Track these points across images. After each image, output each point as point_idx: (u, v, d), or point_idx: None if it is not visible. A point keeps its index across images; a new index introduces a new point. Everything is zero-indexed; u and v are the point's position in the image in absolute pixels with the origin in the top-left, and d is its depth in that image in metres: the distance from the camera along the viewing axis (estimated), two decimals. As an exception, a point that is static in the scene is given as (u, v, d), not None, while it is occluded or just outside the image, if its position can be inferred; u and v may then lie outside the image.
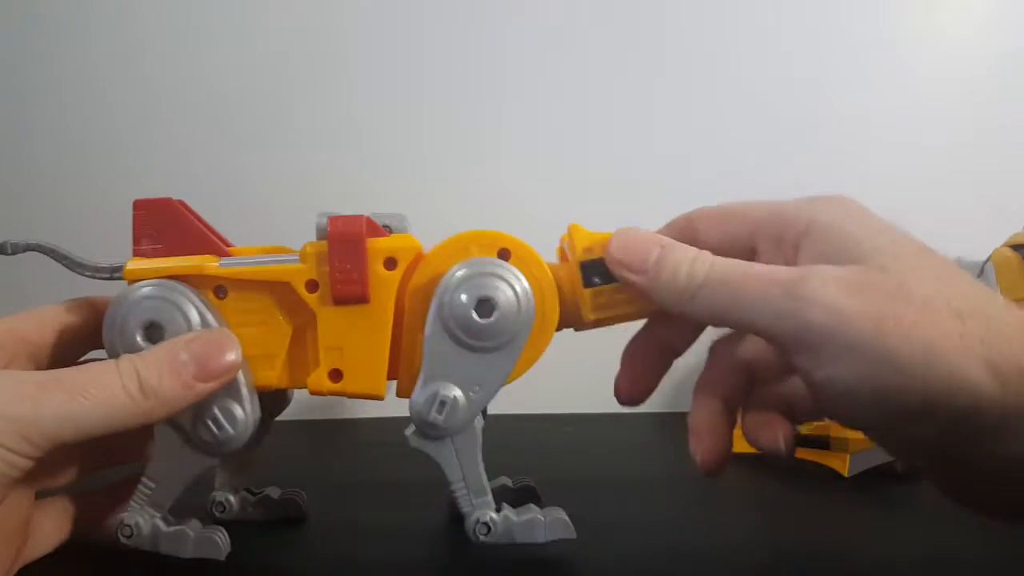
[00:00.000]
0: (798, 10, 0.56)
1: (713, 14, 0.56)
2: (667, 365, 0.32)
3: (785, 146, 0.55)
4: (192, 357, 0.28)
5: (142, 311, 0.29)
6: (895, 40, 0.56)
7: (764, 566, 0.32)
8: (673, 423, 0.48)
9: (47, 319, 0.32)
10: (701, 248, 0.28)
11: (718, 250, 0.28)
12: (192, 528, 0.31)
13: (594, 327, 0.32)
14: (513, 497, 0.36)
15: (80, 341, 0.33)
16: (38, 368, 0.32)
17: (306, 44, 0.57)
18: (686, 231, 0.30)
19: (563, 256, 0.33)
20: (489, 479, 0.31)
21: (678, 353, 0.31)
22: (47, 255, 0.33)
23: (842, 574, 0.31)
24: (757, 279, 0.25)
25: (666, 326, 0.31)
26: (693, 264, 0.27)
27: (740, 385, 0.31)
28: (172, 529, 0.31)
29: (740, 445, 0.44)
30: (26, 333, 0.32)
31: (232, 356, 0.29)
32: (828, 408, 0.26)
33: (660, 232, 0.31)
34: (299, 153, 0.57)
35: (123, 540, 0.30)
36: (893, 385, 0.23)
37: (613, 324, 0.32)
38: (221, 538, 0.31)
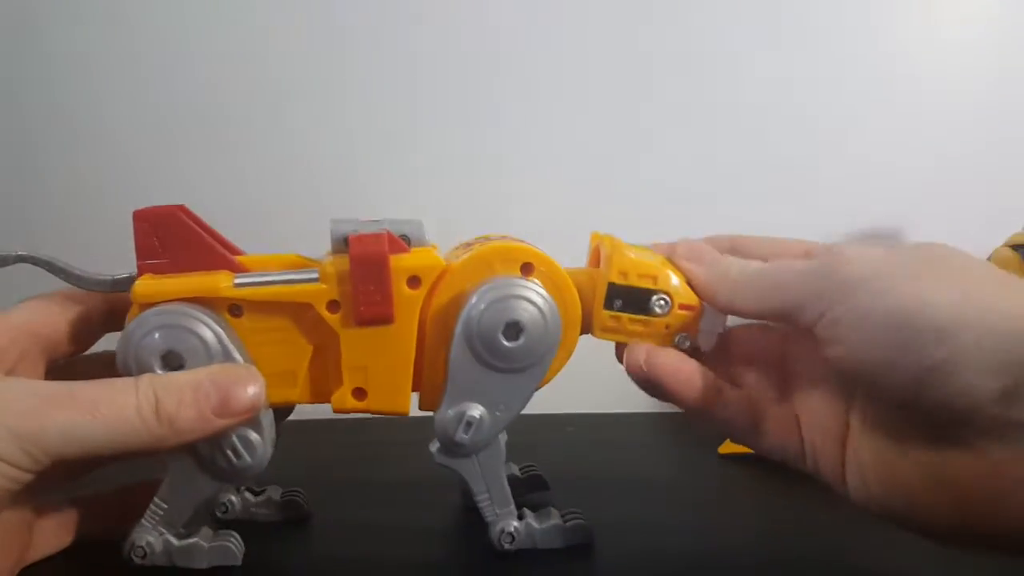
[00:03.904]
0: (800, 12, 0.55)
1: (716, 16, 0.54)
2: None
3: (786, 146, 0.55)
4: (215, 390, 0.28)
5: (159, 341, 0.28)
6: (895, 39, 0.55)
7: (764, 566, 0.32)
8: (673, 423, 0.50)
9: (55, 309, 0.31)
10: None
11: None
12: (204, 538, 0.31)
13: None
14: (522, 486, 0.38)
15: (91, 328, 0.32)
16: (49, 359, 0.31)
17: (315, 44, 0.54)
18: (731, 250, 0.32)
19: (594, 257, 0.33)
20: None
21: None
22: (40, 267, 0.31)
23: (842, 574, 0.32)
24: (799, 263, 0.27)
25: None
26: (744, 263, 0.29)
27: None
28: (185, 543, 0.31)
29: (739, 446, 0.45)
30: (36, 326, 0.31)
31: (254, 393, 0.28)
32: (852, 350, 0.25)
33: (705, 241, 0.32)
34: (309, 153, 0.55)
35: (137, 561, 0.30)
36: (932, 306, 0.23)
37: None
38: (235, 543, 0.31)
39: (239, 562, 0.31)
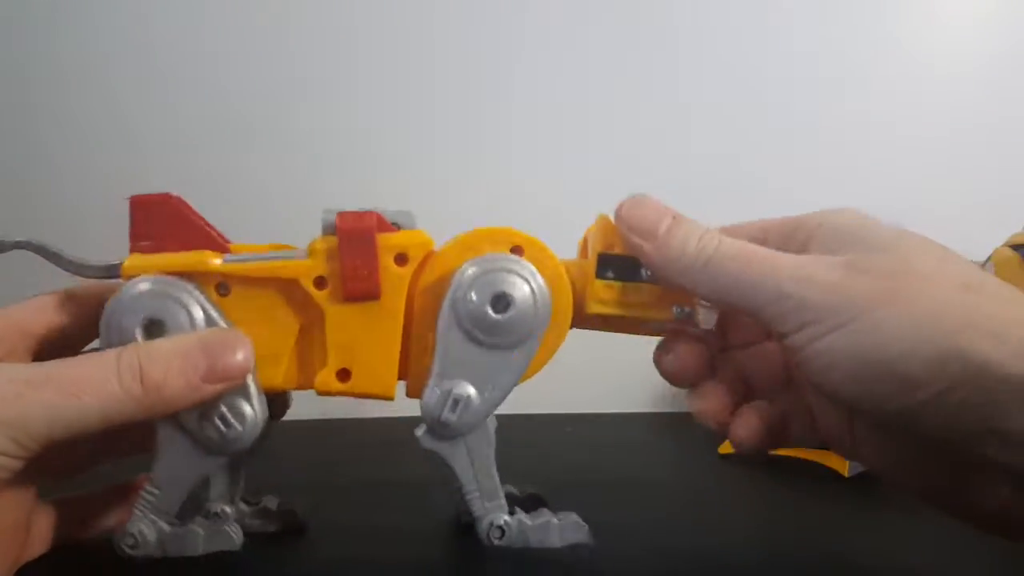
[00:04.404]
0: (799, 10, 0.56)
1: (716, 15, 0.56)
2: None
3: (787, 145, 0.56)
4: (203, 356, 0.27)
5: (142, 308, 0.28)
6: (895, 39, 0.57)
7: (764, 566, 0.32)
8: (673, 423, 0.50)
9: (47, 308, 0.31)
10: None
11: None
12: (199, 525, 0.30)
13: (593, 325, 0.32)
14: (518, 503, 0.36)
15: (83, 330, 0.32)
16: (38, 358, 0.31)
17: (312, 39, 0.56)
18: None
19: (583, 249, 0.32)
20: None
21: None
22: (36, 253, 0.31)
23: (842, 574, 0.31)
24: (761, 261, 0.26)
25: None
26: (702, 238, 0.27)
27: (736, 394, 0.31)
28: (179, 530, 0.29)
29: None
30: (26, 324, 0.30)
31: (242, 357, 0.28)
32: (818, 381, 0.25)
33: None
34: (303, 150, 0.57)
35: (127, 551, 0.29)
36: (891, 354, 0.23)
37: (610, 330, 0.32)
38: (232, 529, 0.30)
39: (238, 547, 0.30)
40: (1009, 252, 0.40)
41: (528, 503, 0.36)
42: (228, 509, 0.34)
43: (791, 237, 0.28)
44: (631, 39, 0.56)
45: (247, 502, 0.35)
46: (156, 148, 0.56)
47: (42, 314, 0.31)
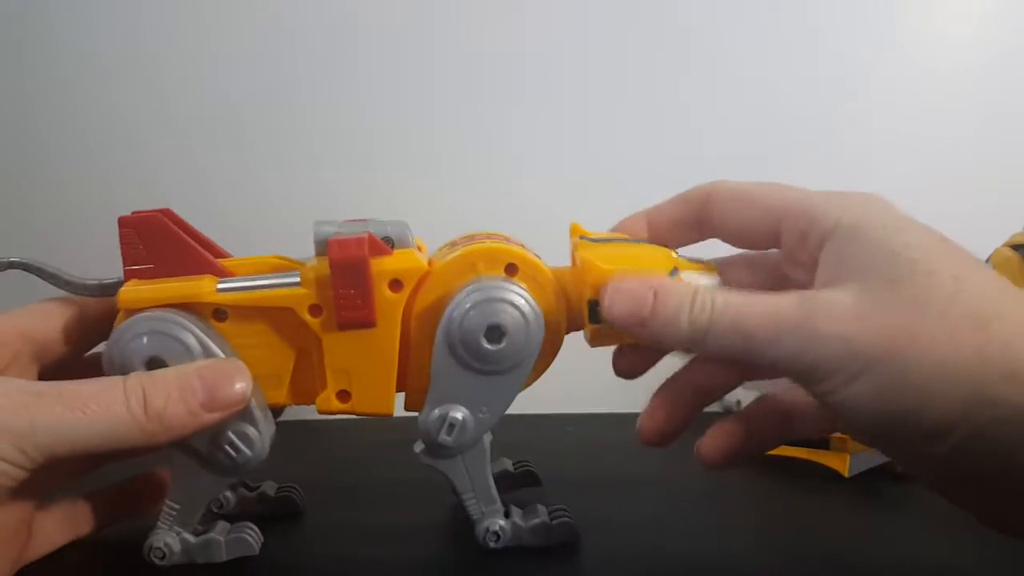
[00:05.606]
0: (798, 9, 0.54)
1: (717, 15, 0.54)
2: (699, 408, 0.31)
3: (787, 145, 0.54)
4: (202, 385, 0.28)
5: (143, 349, 0.29)
6: (896, 39, 0.54)
7: (764, 566, 0.32)
8: None
9: (53, 313, 0.31)
10: (717, 233, 0.27)
11: (736, 235, 0.27)
12: (220, 532, 0.32)
13: None
14: (514, 481, 0.38)
15: (85, 335, 0.32)
16: (42, 364, 0.31)
17: (312, 43, 0.54)
18: (701, 212, 0.31)
19: (574, 256, 0.32)
20: (491, 460, 0.32)
21: (714, 397, 0.31)
22: (30, 272, 0.31)
23: (842, 574, 0.32)
24: (767, 320, 0.25)
25: (705, 371, 0.30)
26: (693, 308, 0.26)
27: (725, 381, 0.31)
28: (202, 539, 0.31)
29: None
30: (30, 329, 0.31)
31: (241, 387, 0.28)
32: (844, 425, 0.26)
33: (674, 205, 0.31)
34: (302, 153, 0.56)
35: (157, 562, 0.31)
36: (908, 405, 0.23)
37: None
38: (251, 535, 0.32)
39: (256, 551, 0.32)
40: (1009, 252, 0.39)
41: (522, 479, 0.38)
42: (230, 495, 0.37)
43: (807, 235, 0.27)
44: (631, 39, 0.54)
45: (247, 487, 0.37)
46: (154, 153, 0.55)
47: (48, 319, 0.31)
